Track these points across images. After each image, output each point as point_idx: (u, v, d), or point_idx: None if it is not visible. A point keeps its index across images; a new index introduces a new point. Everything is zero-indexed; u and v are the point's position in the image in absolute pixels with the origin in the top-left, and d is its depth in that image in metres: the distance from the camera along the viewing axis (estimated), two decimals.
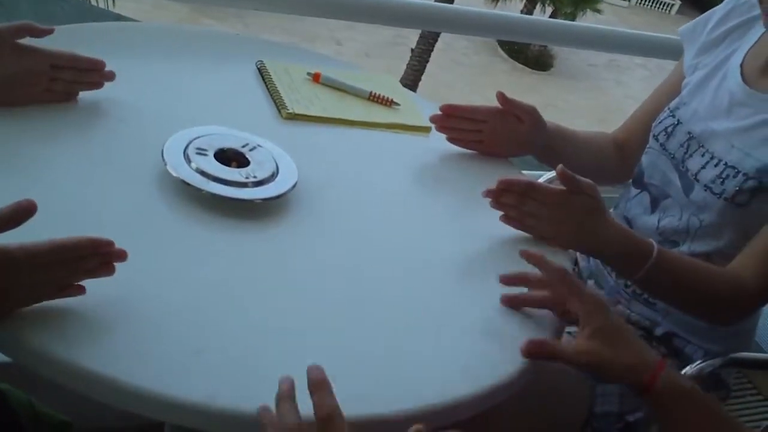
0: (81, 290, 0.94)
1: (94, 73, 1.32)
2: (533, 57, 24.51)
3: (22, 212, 0.88)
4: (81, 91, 1.32)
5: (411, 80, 18.28)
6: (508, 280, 1.17)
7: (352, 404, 0.88)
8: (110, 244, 0.96)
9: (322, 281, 1.13)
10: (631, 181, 1.64)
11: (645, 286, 1.42)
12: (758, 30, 1.50)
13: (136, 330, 0.94)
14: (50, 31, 1.27)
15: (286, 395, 0.85)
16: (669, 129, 1.52)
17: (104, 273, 0.96)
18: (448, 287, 1.21)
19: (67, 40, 1.33)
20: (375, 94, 1.60)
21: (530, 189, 1.30)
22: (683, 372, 1.46)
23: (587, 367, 1.10)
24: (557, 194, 1.29)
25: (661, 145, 1.53)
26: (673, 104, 1.55)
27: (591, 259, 1.62)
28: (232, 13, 20.01)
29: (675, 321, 1.51)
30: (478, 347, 1.10)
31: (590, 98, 21.76)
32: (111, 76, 1.32)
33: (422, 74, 18.62)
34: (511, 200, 1.30)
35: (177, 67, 1.55)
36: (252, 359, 0.95)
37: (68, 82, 1.29)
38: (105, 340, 0.92)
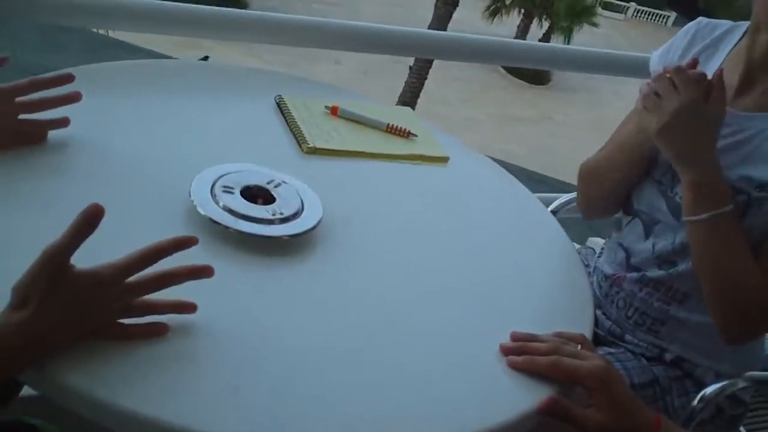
0: (164, 329, 0.99)
1: (61, 100, 1.28)
2: (531, 72, 24.55)
3: (93, 217, 0.91)
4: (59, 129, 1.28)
5: (409, 97, 18.33)
6: (507, 350, 1.15)
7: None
8: (193, 240, 1.01)
9: (352, 314, 1.15)
10: (624, 209, 1.65)
11: (699, 232, 1.39)
12: (724, 50, 1.52)
13: (170, 367, 0.96)
14: (5, 61, 1.22)
15: None
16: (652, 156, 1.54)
17: (186, 310, 1.01)
18: (477, 317, 1.23)
19: (87, 80, 1.33)
20: (392, 125, 1.63)
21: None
22: (702, 394, 1.48)
23: None
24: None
25: (647, 172, 1.55)
26: None
27: (599, 290, 1.64)
28: None
29: (681, 345, 1.53)
30: (504, 377, 1.11)
31: (589, 111, 21.81)
32: (78, 98, 1.28)
33: (420, 91, 18.67)
34: None
35: (195, 104, 1.57)
36: (288, 393, 0.97)
37: (37, 123, 1.26)
38: (139, 378, 0.93)
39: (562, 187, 1.66)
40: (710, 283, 1.41)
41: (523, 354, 1.13)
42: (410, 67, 18.73)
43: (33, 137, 1.27)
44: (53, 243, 0.90)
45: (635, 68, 2.24)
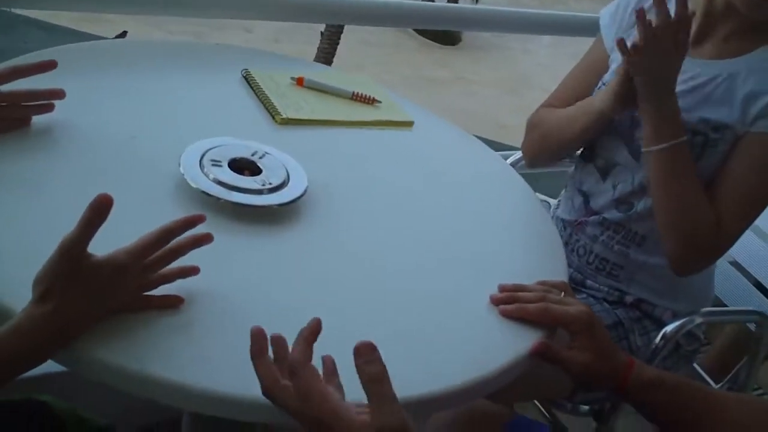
0: (180, 300, 1.03)
1: (44, 95, 1.30)
2: (441, 32, 24.50)
3: (102, 206, 0.92)
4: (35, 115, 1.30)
5: (322, 63, 18.17)
6: (498, 300, 1.22)
7: None
8: (201, 217, 1.06)
9: (347, 276, 1.20)
10: (579, 155, 1.74)
11: (659, 162, 1.48)
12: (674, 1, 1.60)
13: (186, 336, 1.00)
14: None
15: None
16: None
17: (191, 273, 1.05)
18: (461, 272, 1.29)
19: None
20: (357, 93, 1.68)
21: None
22: (663, 332, 1.58)
23: (576, 376, 1.21)
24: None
25: None
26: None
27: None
28: None
29: (639, 287, 1.64)
30: (495, 327, 1.18)
31: (500, 69, 21.91)
32: (62, 95, 1.30)
33: (333, 57, 18.55)
34: None
35: (165, 82, 1.59)
36: None
37: (21, 107, 1.28)
38: (163, 348, 0.97)
39: (490, 145, 1.70)
40: (666, 211, 1.50)
41: (514, 303, 1.20)
42: (321, 33, 18.59)
43: (16, 123, 1.28)
44: (68, 235, 0.92)
45: (583, 28, 2.31)
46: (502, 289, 1.23)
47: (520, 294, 1.21)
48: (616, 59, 1.63)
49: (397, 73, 20.64)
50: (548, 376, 1.38)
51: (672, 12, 1.40)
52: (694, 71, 1.52)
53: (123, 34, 9.09)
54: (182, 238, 1.04)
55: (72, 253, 0.92)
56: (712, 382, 1.90)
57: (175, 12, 2.06)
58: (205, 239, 1.07)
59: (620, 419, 1.62)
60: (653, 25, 1.41)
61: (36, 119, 1.29)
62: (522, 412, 1.54)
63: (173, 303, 1.03)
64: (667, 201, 1.50)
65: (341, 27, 18.23)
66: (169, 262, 1.04)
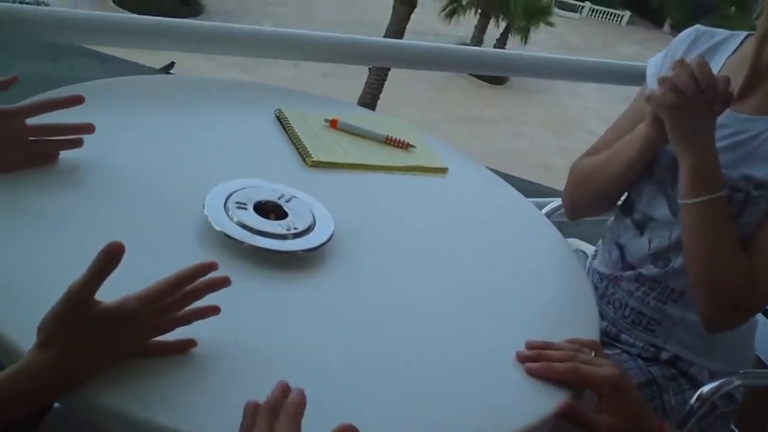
0: (192, 344, 1.00)
1: (74, 129, 1.29)
2: None
3: (114, 254, 0.90)
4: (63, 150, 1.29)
5: (369, 99, 18.31)
6: (525, 358, 1.18)
7: None
8: (214, 265, 1.03)
9: (370, 326, 1.17)
10: (619, 207, 1.70)
11: (694, 215, 1.44)
12: (722, 55, 1.58)
13: (200, 384, 0.97)
14: (13, 81, 1.22)
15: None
16: None
17: (211, 313, 1.02)
18: (488, 326, 1.26)
19: (88, 96, 1.31)
20: (391, 137, 1.65)
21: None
22: (699, 393, 1.52)
23: None
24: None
25: (647, 172, 1.60)
26: None
27: (594, 291, 1.67)
28: None
29: (676, 343, 1.58)
30: (519, 384, 1.14)
31: (547, 110, 21.95)
32: (91, 129, 1.29)
33: (380, 93, 18.67)
34: None
35: (197, 119, 1.58)
36: (314, 406, 0.97)
37: (49, 142, 1.27)
38: (176, 397, 0.94)
39: (527, 186, 1.67)
40: (699, 266, 1.46)
41: (541, 361, 1.16)
42: (369, 69, 18.71)
43: (45, 157, 1.28)
44: (76, 281, 0.90)
45: (630, 77, 2.28)
46: (530, 346, 1.19)
47: (548, 352, 1.17)
48: None
49: (443, 110, 20.78)
50: None
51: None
52: (737, 127, 1.48)
53: (171, 65, 9.22)
54: (197, 282, 1.02)
55: (79, 300, 0.90)
56: None
57: (221, 51, 2.08)
58: (222, 283, 1.04)
59: None
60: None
61: (63, 154, 1.29)
62: None
63: (183, 348, 1.00)
64: (701, 255, 1.45)
65: None
66: (183, 307, 1.01)
